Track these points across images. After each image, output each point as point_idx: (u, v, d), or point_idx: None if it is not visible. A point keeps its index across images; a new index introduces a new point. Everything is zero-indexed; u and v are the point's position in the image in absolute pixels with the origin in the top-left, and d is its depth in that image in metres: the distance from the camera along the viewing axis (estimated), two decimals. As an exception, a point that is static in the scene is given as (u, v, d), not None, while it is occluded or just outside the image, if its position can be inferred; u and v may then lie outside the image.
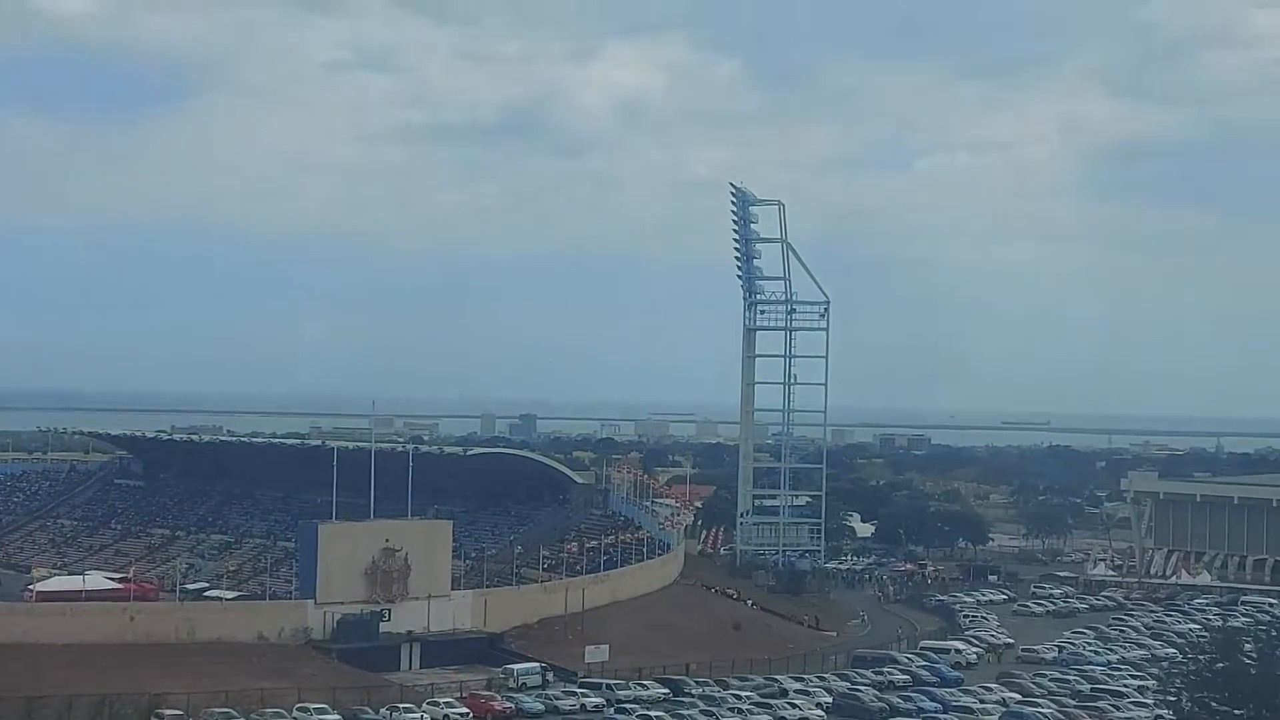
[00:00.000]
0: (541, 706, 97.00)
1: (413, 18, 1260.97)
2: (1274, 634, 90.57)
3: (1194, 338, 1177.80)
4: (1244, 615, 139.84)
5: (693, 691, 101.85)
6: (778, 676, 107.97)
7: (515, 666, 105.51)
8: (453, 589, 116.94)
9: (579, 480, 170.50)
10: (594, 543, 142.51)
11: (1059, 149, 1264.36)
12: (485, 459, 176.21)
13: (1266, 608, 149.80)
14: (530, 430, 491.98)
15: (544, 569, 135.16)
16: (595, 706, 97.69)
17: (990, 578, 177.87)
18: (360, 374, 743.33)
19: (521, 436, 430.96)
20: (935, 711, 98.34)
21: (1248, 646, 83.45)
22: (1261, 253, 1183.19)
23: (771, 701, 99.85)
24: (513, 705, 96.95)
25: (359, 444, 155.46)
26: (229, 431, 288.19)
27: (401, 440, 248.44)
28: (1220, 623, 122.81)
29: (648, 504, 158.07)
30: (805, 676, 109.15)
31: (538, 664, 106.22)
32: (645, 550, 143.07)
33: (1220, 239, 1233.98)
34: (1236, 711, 78.50)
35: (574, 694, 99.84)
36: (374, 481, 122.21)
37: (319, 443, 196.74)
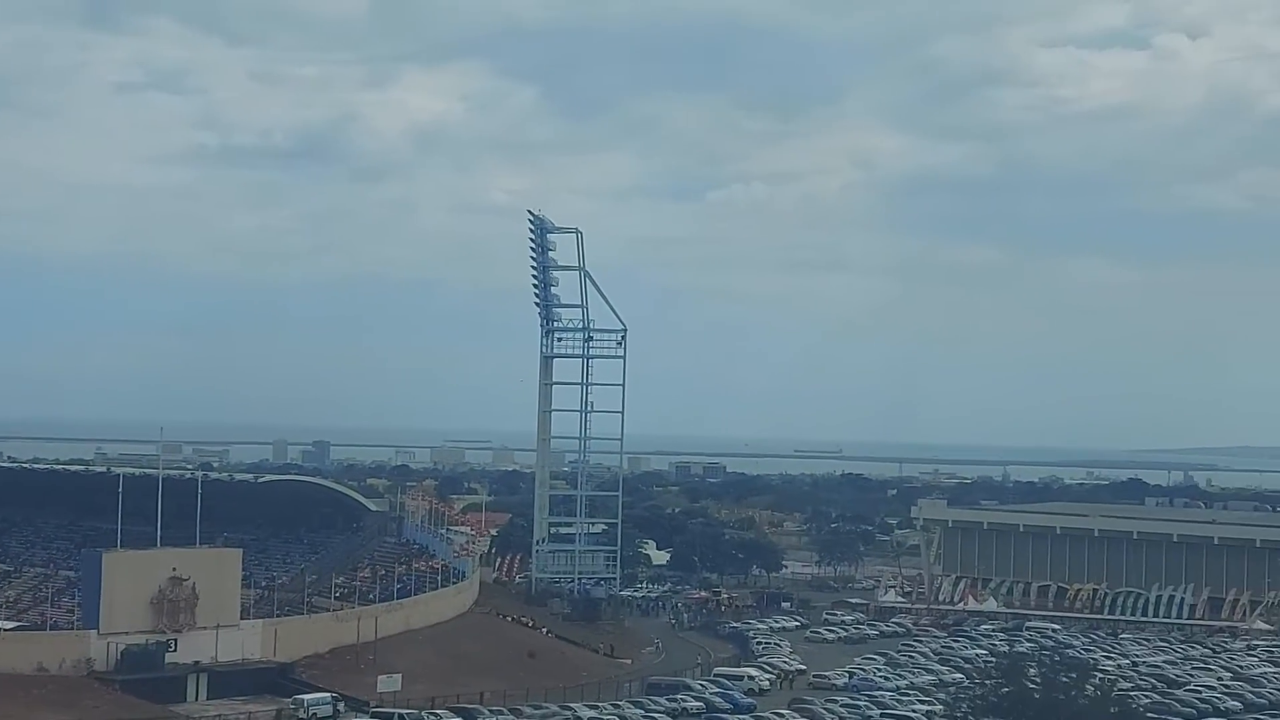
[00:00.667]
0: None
1: (205, 38, 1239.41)
2: (1056, 659, 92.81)
3: (982, 368, 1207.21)
4: (1028, 640, 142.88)
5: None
6: (572, 704, 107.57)
7: (305, 697, 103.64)
8: (242, 618, 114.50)
9: (373, 508, 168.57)
10: (387, 571, 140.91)
11: (851, 181, 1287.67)
12: (277, 486, 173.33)
13: (1049, 633, 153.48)
14: (323, 457, 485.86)
15: (336, 597, 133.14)
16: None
17: (783, 604, 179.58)
18: (149, 399, 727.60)
19: (314, 463, 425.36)
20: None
21: (1031, 671, 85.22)
22: (1046, 286, 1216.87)
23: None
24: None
25: (145, 470, 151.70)
26: (9, 457, 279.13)
27: (190, 467, 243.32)
28: (1005, 648, 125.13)
29: (443, 531, 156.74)
30: (600, 704, 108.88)
31: (329, 694, 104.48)
32: (440, 578, 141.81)
33: (1007, 272, 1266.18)
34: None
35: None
36: (161, 509, 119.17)
37: (104, 469, 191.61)
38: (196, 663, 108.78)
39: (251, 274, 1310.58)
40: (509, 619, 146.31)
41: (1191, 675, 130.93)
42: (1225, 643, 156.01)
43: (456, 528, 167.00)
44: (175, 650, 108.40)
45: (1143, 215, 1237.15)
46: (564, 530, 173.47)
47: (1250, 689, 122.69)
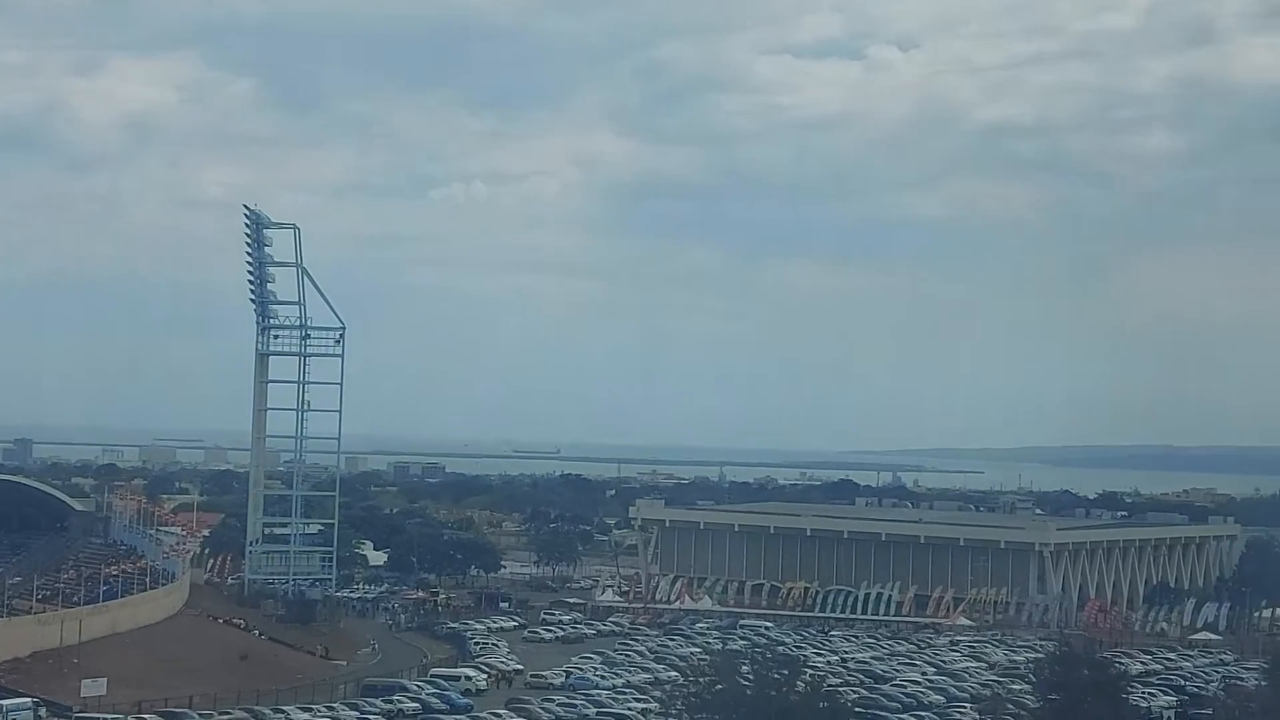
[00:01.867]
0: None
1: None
2: (768, 656, 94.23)
3: (700, 371, 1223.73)
4: (741, 638, 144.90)
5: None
6: (285, 707, 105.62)
7: (5, 703, 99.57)
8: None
9: (78, 507, 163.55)
10: (93, 572, 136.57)
11: (572, 182, 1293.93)
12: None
13: (763, 630, 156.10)
14: (25, 455, 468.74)
15: (38, 600, 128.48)
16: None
17: (502, 604, 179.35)
18: None
19: (16, 462, 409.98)
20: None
21: (744, 668, 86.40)
22: (763, 289, 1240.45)
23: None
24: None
25: None
26: None
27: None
28: (719, 646, 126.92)
29: (152, 532, 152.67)
30: (314, 706, 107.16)
31: (29, 699, 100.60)
32: (148, 580, 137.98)
33: (725, 275, 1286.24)
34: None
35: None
36: None
37: None
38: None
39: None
40: (221, 621, 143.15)
41: (897, 671, 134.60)
42: (930, 639, 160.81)
43: (166, 528, 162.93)
44: None
45: (855, 221, 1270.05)
46: (279, 531, 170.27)
47: (953, 683, 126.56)
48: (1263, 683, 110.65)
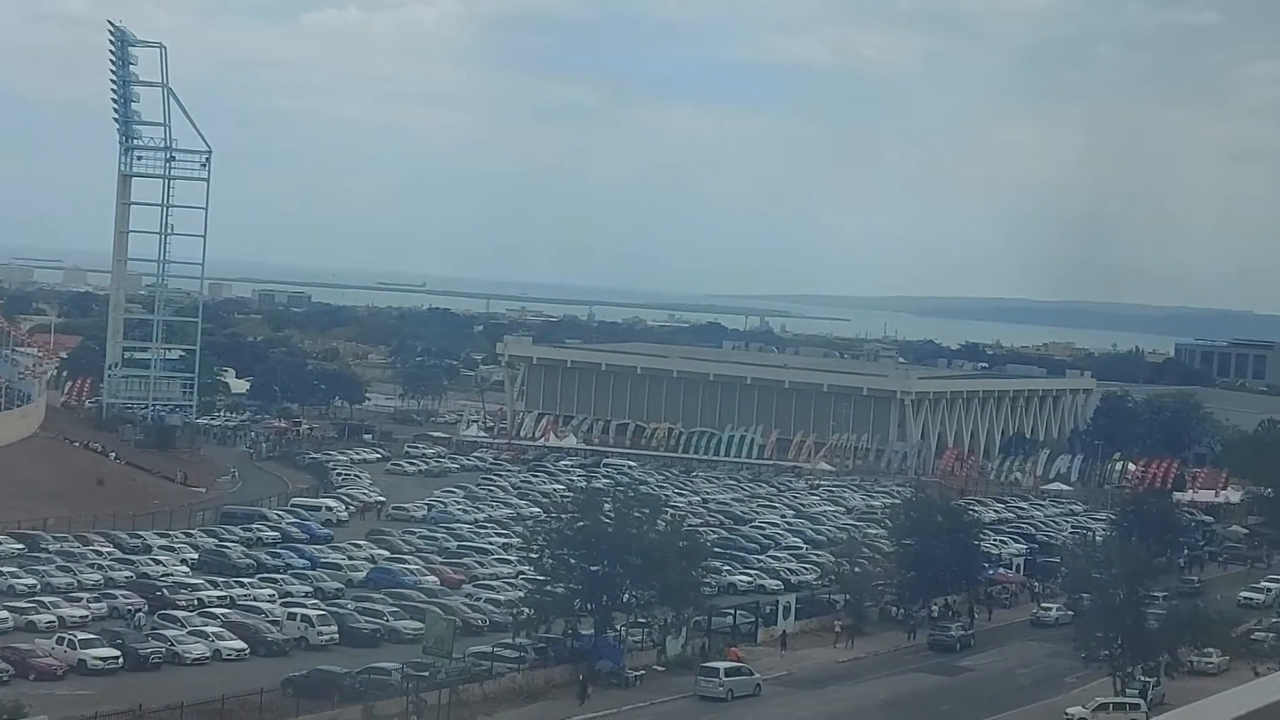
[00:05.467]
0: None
1: None
2: (631, 494, 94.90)
3: (574, 209, 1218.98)
4: (605, 477, 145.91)
5: (49, 547, 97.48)
6: (142, 532, 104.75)
7: None
8: None
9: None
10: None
11: (449, 13, 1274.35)
12: None
13: (626, 470, 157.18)
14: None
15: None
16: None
17: (365, 437, 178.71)
18: None
19: None
20: (304, 568, 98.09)
21: (606, 506, 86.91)
22: (640, 130, 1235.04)
23: (134, 558, 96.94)
24: None
25: None
26: None
27: None
28: (583, 483, 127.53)
29: (7, 352, 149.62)
30: (171, 532, 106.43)
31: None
32: (2, 400, 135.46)
33: (603, 114, 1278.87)
34: (593, 567, 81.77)
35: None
36: None
37: None
38: None
39: None
40: (77, 444, 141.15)
41: (757, 513, 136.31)
42: (790, 482, 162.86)
43: (22, 349, 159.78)
44: None
45: (731, 64, 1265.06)
46: (139, 355, 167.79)
47: (811, 526, 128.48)
48: (1109, 532, 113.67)
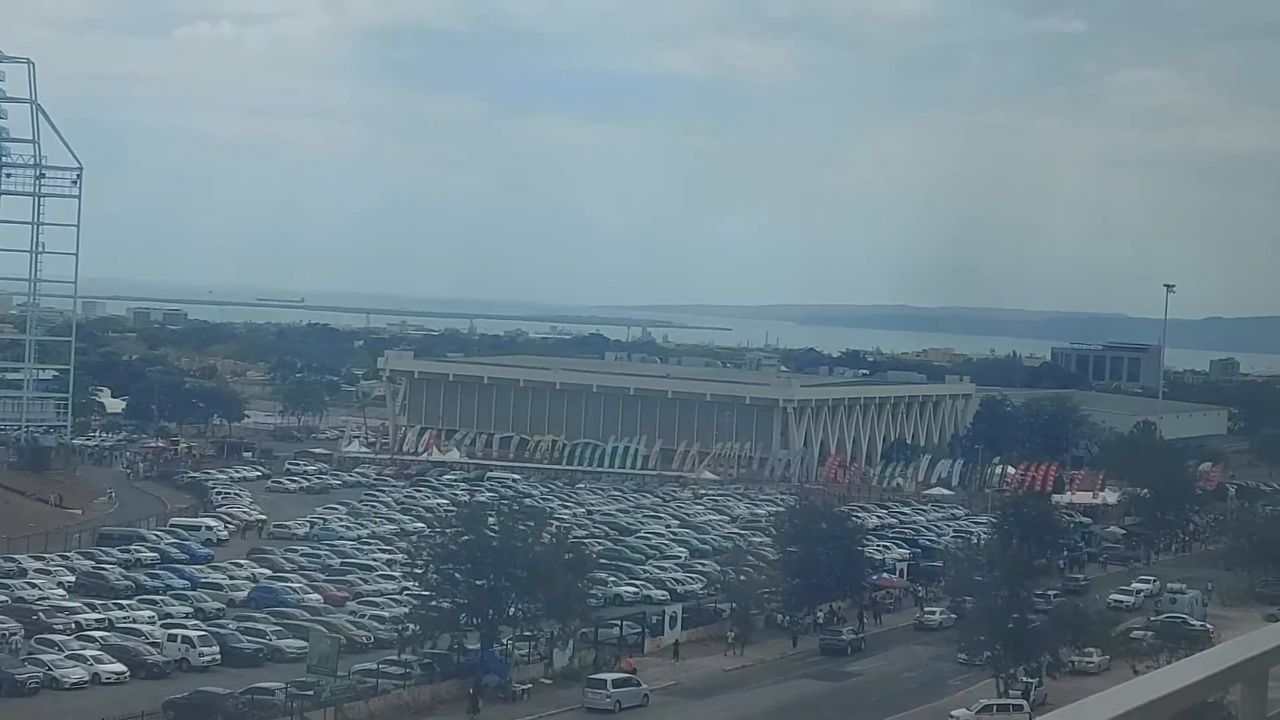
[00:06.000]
0: None
1: None
2: (515, 507, 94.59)
3: (452, 222, 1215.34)
4: (489, 490, 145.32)
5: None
6: (16, 556, 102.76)
7: None
8: None
9: None
10: None
11: (324, 27, 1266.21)
12: None
13: (510, 483, 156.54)
14: None
15: None
16: None
17: (245, 454, 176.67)
18: None
19: None
20: (184, 588, 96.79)
21: (491, 520, 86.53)
22: (517, 141, 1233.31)
23: (9, 582, 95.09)
24: None
25: None
26: None
27: None
28: (467, 497, 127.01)
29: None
30: (47, 555, 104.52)
31: None
32: None
33: (479, 126, 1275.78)
34: (478, 581, 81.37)
35: None
36: None
37: None
38: None
39: None
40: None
41: (643, 523, 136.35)
42: (675, 492, 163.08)
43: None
44: None
45: (609, 76, 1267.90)
46: (11, 376, 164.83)
47: (696, 535, 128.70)
48: (991, 536, 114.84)
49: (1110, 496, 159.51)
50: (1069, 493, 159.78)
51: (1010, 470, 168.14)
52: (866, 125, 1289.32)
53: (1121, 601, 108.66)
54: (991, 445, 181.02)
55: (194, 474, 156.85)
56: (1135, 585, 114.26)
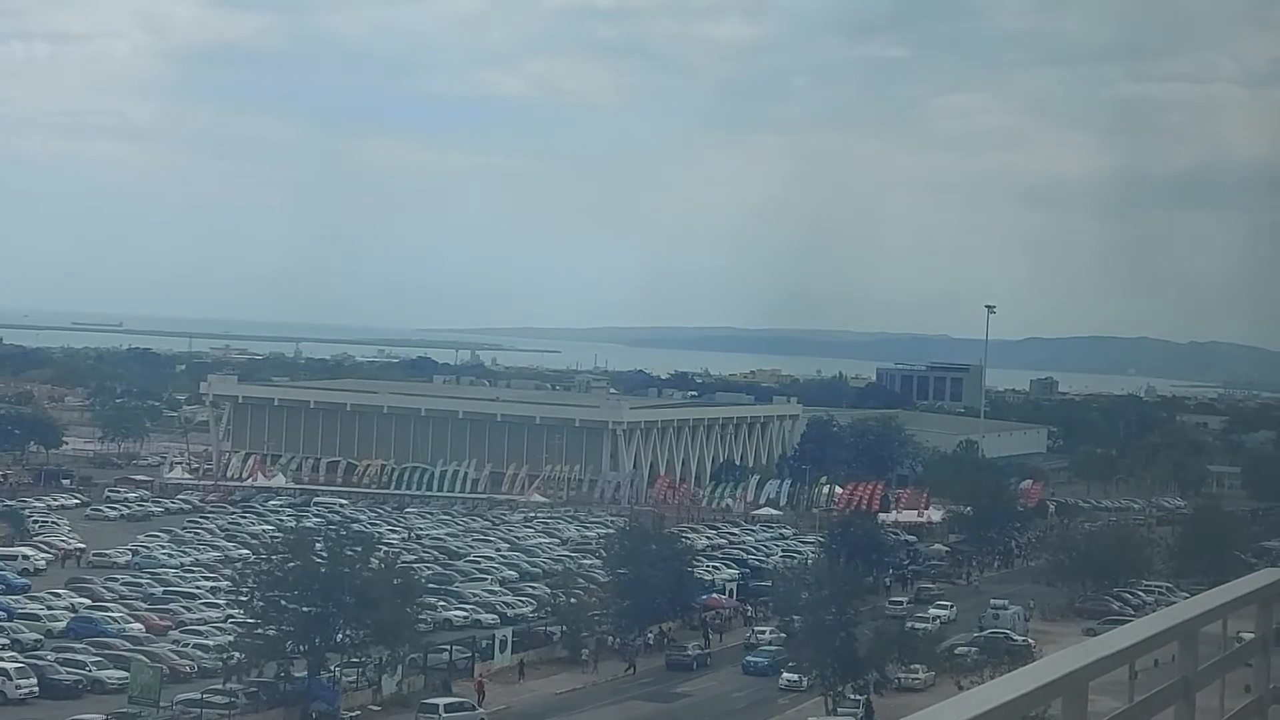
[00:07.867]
0: None
1: None
2: (342, 532, 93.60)
3: (274, 245, 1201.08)
4: (316, 515, 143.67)
5: None
6: None
7: None
8: None
9: None
10: None
11: (141, 46, 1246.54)
12: None
13: (337, 507, 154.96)
14: None
15: None
16: None
17: (63, 482, 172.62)
18: None
19: None
20: (0, 620, 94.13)
21: (318, 545, 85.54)
22: (338, 164, 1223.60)
23: None
24: None
25: None
26: None
27: None
28: (293, 523, 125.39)
29: None
30: None
31: None
32: None
33: (301, 147, 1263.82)
34: (305, 608, 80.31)
35: None
36: None
37: None
38: None
39: None
40: None
41: (472, 547, 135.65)
42: (505, 515, 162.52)
43: None
44: None
45: (435, 98, 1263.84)
46: None
47: (526, 559, 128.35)
48: (818, 555, 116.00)
49: (935, 515, 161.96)
50: (895, 511, 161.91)
51: (837, 490, 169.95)
52: (694, 148, 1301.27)
53: (918, 630, 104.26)
54: (819, 465, 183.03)
55: (9, 502, 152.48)
56: (933, 611, 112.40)
